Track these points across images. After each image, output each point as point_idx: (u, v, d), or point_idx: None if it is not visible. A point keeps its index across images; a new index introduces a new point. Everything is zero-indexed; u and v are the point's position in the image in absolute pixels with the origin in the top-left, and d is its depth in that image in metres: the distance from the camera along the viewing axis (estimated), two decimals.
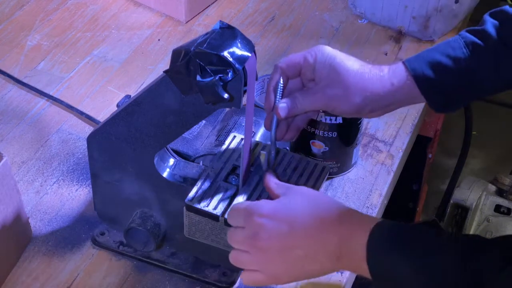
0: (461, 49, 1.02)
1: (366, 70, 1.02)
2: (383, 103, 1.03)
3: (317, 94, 1.02)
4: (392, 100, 1.03)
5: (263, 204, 0.92)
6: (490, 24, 1.03)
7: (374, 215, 1.17)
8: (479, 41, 1.02)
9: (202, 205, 0.98)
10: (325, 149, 1.18)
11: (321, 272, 0.92)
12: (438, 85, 1.02)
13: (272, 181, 0.97)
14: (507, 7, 1.05)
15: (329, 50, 1.03)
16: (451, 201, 2.07)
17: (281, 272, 0.92)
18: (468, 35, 1.04)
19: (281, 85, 1.02)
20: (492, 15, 1.05)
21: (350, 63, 1.02)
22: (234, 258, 0.94)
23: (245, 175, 1.00)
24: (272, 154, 1.01)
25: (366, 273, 0.87)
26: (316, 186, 1.03)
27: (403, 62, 1.03)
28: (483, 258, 0.80)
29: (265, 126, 1.05)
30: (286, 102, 1.02)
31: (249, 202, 0.96)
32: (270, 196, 0.97)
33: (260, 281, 0.93)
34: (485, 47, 1.02)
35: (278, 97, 1.02)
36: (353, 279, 1.13)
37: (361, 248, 0.87)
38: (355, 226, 0.89)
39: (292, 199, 0.92)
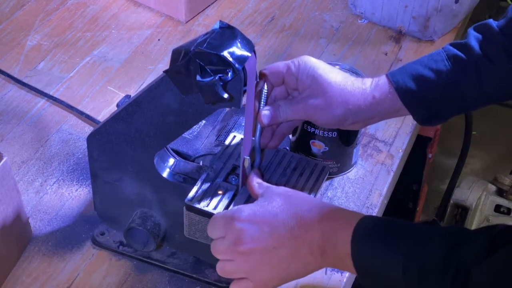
0: (443, 61, 1.03)
1: (349, 83, 1.03)
2: (365, 116, 1.04)
3: (299, 104, 1.03)
4: (374, 113, 1.04)
5: (242, 209, 0.92)
6: (473, 37, 1.04)
7: (374, 215, 1.17)
8: (461, 55, 1.03)
9: (202, 205, 0.98)
10: (325, 149, 1.18)
11: (307, 270, 0.92)
12: (421, 98, 1.03)
13: (254, 180, 0.97)
14: (491, 21, 1.05)
15: (312, 61, 1.03)
16: (451, 201, 2.07)
17: (267, 275, 0.91)
18: (451, 48, 1.05)
19: (265, 91, 1.03)
20: (475, 29, 1.06)
21: (333, 75, 1.03)
22: (221, 269, 0.93)
23: (244, 175, 1.00)
24: (257, 159, 1.01)
25: (350, 268, 0.88)
26: (316, 186, 1.03)
27: (387, 75, 1.04)
28: (469, 248, 0.80)
29: None
30: (269, 110, 1.02)
31: (226, 210, 0.96)
32: (251, 197, 0.97)
33: None
34: (467, 61, 1.03)
35: (262, 103, 1.02)
36: (353, 280, 1.13)
37: (345, 244, 0.87)
38: (339, 222, 0.89)
39: (271, 200, 0.92)
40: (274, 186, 0.96)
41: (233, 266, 0.92)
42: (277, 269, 0.91)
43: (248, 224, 0.90)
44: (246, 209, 0.92)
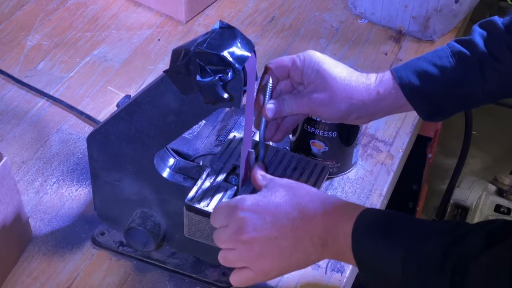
0: (448, 58, 1.03)
1: (353, 78, 1.03)
2: (369, 111, 1.04)
3: (304, 98, 1.03)
4: (378, 109, 1.05)
5: (245, 198, 0.93)
6: (477, 34, 1.04)
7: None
8: (465, 51, 1.03)
9: (202, 205, 0.98)
10: (325, 149, 1.18)
11: (307, 261, 0.92)
12: (424, 94, 1.03)
13: (258, 172, 0.98)
14: (496, 18, 1.05)
15: (317, 55, 1.04)
16: (451, 201, 2.07)
17: (268, 265, 0.92)
18: (455, 44, 1.05)
19: (270, 85, 1.03)
20: (480, 26, 1.06)
21: (338, 70, 1.03)
22: (222, 258, 0.94)
23: (245, 175, 1.00)
24: (261, 153, 1.02)
25: (351, 260, 0.88)
26: (316, 186, 1.03)
27: (391, 71, 1.04)
28: (467, 242, 0.80)
29: (254, 126, 1.05)
30: (273, 103, 1.03)
31: (229, 199, 0.97)
32: (255, 188, 0.98)
33: (249, 278, 0.93)
34: (471, 57, 1.03)
35: (267, 97, 1.03)
36: (353, 279, 1.13)
37: (346, 236, 0.87)
38: (340, 214, 0.89)
39: (274, 191, 0.93)
40: (277, 178, 0.96)
41: (235, 255, 0.92)
42: (278, 259, 0.91)
43: (250, 213, 0.91)
44: (249, 199, 0.92)
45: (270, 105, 1.03)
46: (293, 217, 0.90)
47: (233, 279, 0.95)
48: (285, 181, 0.95)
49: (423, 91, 1.03)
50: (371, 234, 0.87)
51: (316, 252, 0.91)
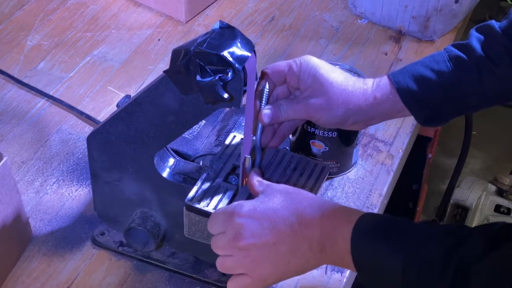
0: (445, 62, 1.03)
1: (350, 83, 1.03)
2: (366, 116, 1.04)
3: (300, 103, 1.03)
4: (376, 113, 1.04)
5: (242, 204, 0.92)
6: (474, 38, 1.04)
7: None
8: (463, 55, 1.03)
9: (202, 205, 0.98)
10: (325, 149, 1.18)
11: (306, 267, 0.92)
12: (422, 99, 1.03)
13: (254, 178, 0.97)
14: (493, 22, 1.05)
15: (314, 60, 1.03)
16: (451, 201, 2.08)
17: (267, 271, 0.91)
18: (452, 49, 1.05)
19: (267, 90, 1.03)
20: (477, 30, 1.06)
21: (334, 75, 1.03)
22: (220, 265, 0.93)
23: (245, 174, 1.00)
24: (257, 159, 1.01)
25: (350, 266, 0.88)
26: (316, 186, 1.03)
27: (388, 75, 1.04)
28: (468, 246, 0.80)
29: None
30: (270, 109, 1.02)
31: (226, 205, 0.96)
32: (252, 195, 0.97)
33: (247, 285, 0.92)
34: (469, 61, 1.03)
35: (263, 102, 1.02)
36: (353, 280, 1.13)
37: (345, 241, 0.87)
38: (338, 219, 0.89)
39: (271, 197, 0.92)
40: (274, 184, 0.96)
41: (233, 261, 0.92)
42: (276, 265, 0.91)
43: (248, 219, 0.90)
44: (247, 205, 0.92)
45: (266, 111, 1.02)
46: (291, 222, 0.90)
47: (231, 286, 0.94)
48: (282, 186, 0.95)
49: (421, 96, 1.03)
50: (370, 239, 0.86)
51: (314, 258, 0.90)
